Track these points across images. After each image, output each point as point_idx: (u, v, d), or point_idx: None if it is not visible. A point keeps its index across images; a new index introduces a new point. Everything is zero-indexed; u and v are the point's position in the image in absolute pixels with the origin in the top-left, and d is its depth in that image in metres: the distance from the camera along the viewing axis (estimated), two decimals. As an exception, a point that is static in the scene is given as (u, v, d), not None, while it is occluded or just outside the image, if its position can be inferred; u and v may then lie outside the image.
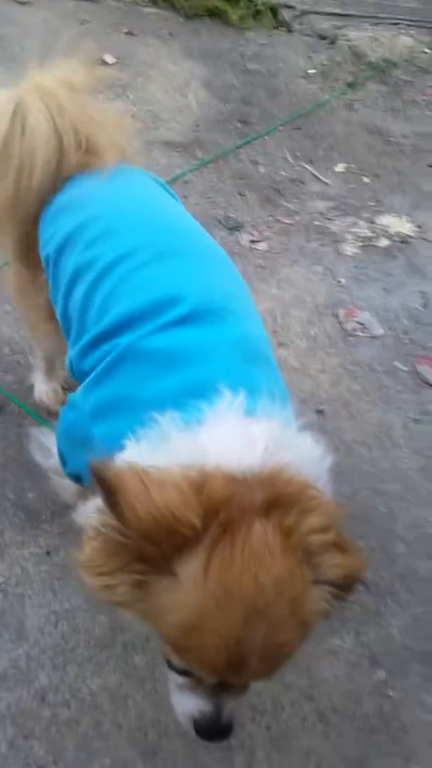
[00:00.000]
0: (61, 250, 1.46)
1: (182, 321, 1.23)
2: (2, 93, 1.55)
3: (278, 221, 2.81)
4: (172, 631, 0.98)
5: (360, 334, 2.41)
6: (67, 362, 1.44)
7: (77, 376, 1.37)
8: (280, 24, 4.12)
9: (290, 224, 2.81)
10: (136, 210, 1.48)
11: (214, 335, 1.23)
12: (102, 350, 1.28)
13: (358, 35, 4.14)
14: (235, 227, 2.74)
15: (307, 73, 3.79)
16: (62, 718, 1.46)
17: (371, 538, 1.86)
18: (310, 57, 3.92)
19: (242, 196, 2.91)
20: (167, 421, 1.05)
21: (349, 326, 2.42)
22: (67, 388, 1.93)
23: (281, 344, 2.31)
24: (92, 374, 1.27)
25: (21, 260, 1.68)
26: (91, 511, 1.07)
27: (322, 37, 4.09)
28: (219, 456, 1.00)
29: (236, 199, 2.88)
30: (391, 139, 3.41)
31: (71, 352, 1.39)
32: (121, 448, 1.09)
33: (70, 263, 1.42)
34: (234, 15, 3.99)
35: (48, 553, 1.70)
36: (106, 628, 1.58)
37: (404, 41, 4.17)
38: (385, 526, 1.89)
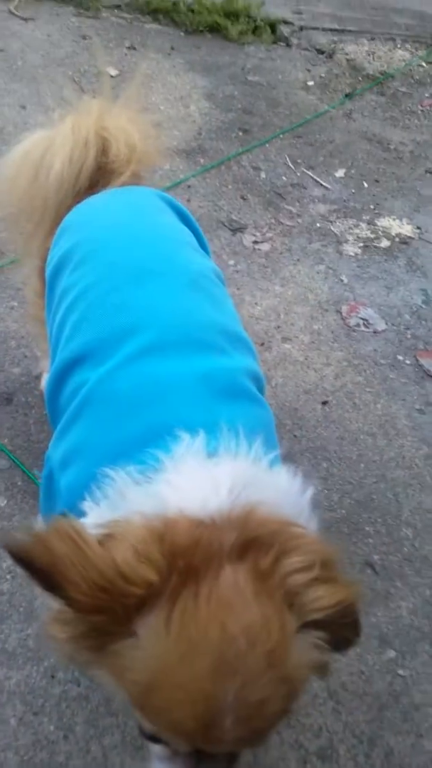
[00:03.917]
0: (55, 273, 1.43)
1: (143, 353, 1.14)
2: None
3: (280, 223, 2.85)
4: (136, 691, 0.87)
5: (363, 329, 2.43)
6: (44, 384, 1.34)
7: (48, 404, 1.30)
8: (278, 39, 4.21)
9: (292, 226, 2.85)
10: (125, 230, 1.42)
11: (178, 370, 1.13)
12: (70, 387, 1.20)
13: (355, 49, 4.23)
14: (239, 229, 2.78)
15: (306, 85, 3.86)
16: (72, 695, 1.45)
17: (378, 524, 1.87)
18: (308, 70, 4.00)
19: (245, 199, 2.95)
20: (122, 476, 0.96)
21: (351, 322, 2.45)
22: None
23: (285, 339, 2.34)
24: (62, 421, 1.19)
25: (39, 273, 1.63)
26: None
27: (320, 51, 4.17)
28: (180, 503, 0.90)
29: (239, 203, 2.92)
30: (390, 146, 3.47)
31: (48, 377, 1.32)
32: (81, 511, 1.00)
33: (58, 286, 1.38)
34: (234, 30, 4.07)
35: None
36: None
37: (401, 55, 4.26)
38: (391, 511, 1.90)
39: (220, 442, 0.99)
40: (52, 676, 1.47)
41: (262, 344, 2.30)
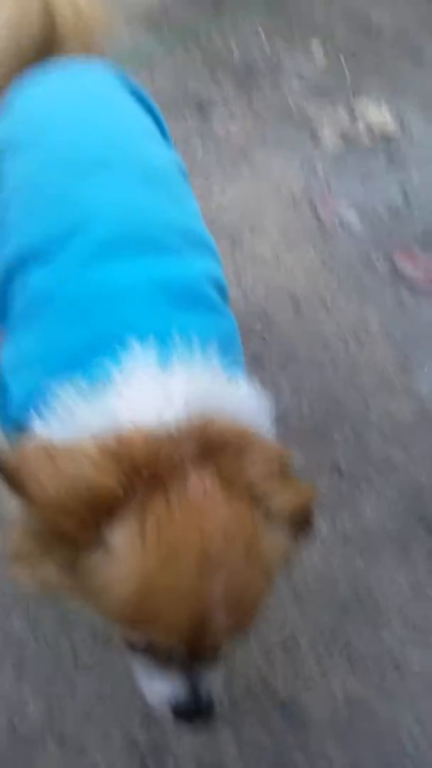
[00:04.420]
0: None
1: (93, 254, 1.07)
2: None
3: (253, 105, 2.68)
4: (121, 608, 0.87)
5: (337, 226, 2.34)
6: None
7: None
8: None
9: (266, 107, 2.68)
10: (71, 113, 1.29)
11: (130, 274, 1.07)
12: (16, 288, 1.13)
13: None
14: (207, 111, 2.60)
15: None
16: (39, 595, 1.46)
17: (346, 428, 1.86)
18: None
19: (214, 78, 2.75)
20: (69, 392, 0.94)
21: (325, 218, 2.35)
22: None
23: (256, 236, 2.24)
24: (10, 323, 1.14)
25: None
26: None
27: None
28: (134, 417, 0.89)
29: (208, 82, 2.72)
30: (371, 25, 3.24)
31: None
32: (30, 422, 0.97)
33: None
34: None
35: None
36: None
37: None
38: (359, 417, 1.90)
39: (173, 352, 0.96)
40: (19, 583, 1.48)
41: (232, 242, 2.21)
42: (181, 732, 1.37)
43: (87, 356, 0.96)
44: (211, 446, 0.89)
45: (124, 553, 0.85)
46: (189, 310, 1.06)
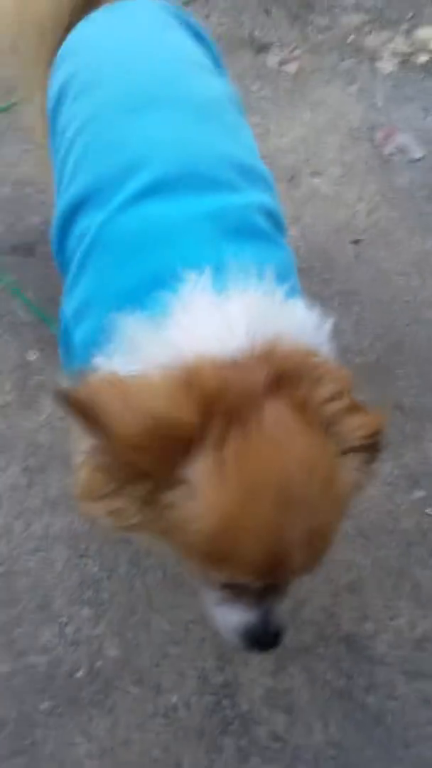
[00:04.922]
0: (55, 107, 1.30)
1: (146, 192, 1.07)
2: None
3: (309, 39, 2.59)
4: (201, 544, 0.87)
5: (398, 158, 2.27)
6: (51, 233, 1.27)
7: (56, 254, 1.24)
8: None
9: (322, 41, 2.59)
10: (125, 53, 1.28)
11: (183, 209, 1.06)
12: (75, 234, 1.13)
13: None
14: (263, 48, 2.54)
15: None
16: (114, 539, 1.53)
17: (409, 365, 1.84)
18: None
19: (268, 13, 2.66)
20: (131, 324, 0.93)
21: (386, 150, 2.28)
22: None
23: (315, 173, 2.20)
24: (70, 272, 1.14)
25: (44, 110, 1.44)
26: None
27: None
28: (197, 347, 0.88)
29: (262, 17, 2.64)
30: None
31: (53, 225, 1.23)
32: (94, 362, 0.98)
33: (59, 122, 1.27)
34: None
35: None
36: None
37: None
38: (423, 354, 1.87)
39: (230, 280, 0.95)
40: (94, 521, 1.55)
41: (291, 179, 2.17)
42: (254, 674, 1.43)
43: (145, 292, 0.96)
44: (280, 373, 0.87)
45: (203, 489, 0.84)
46: (244, 242, 1.04)
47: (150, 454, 0.83)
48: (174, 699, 1.42)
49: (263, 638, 0.99)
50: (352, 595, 1.52)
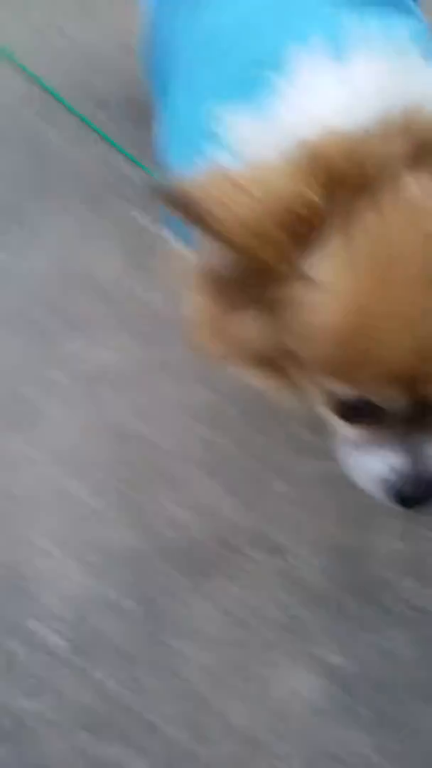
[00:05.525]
0: None
1: None
2: None
3: None
4: (330, 347, 0.75)
5: None
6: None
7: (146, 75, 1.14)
8: None
9: None
10: None
11: None
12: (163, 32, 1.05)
13: None
14: None
15: None
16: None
17: None
18: None
19: None
20: (237, 111, 0.81)
21: None
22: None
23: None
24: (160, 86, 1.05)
25: None
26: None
27: None
28: (318, 122, 0.75)
29: None
30: None
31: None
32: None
33: None
34: None
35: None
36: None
37: None
38: None
39: (353, 45, 0.81)
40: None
41: None
42: (382, 537, 1.36)
43: (252, 76, 0.82)
44: (421, 143, 0.74)
45: (332, 278, 0.73)
46: (365, 10, 0.89)
47: (269, 245, 0.72)
48: (295, 562, 1.36)
49: (414, 485, 0.83)
50: None
